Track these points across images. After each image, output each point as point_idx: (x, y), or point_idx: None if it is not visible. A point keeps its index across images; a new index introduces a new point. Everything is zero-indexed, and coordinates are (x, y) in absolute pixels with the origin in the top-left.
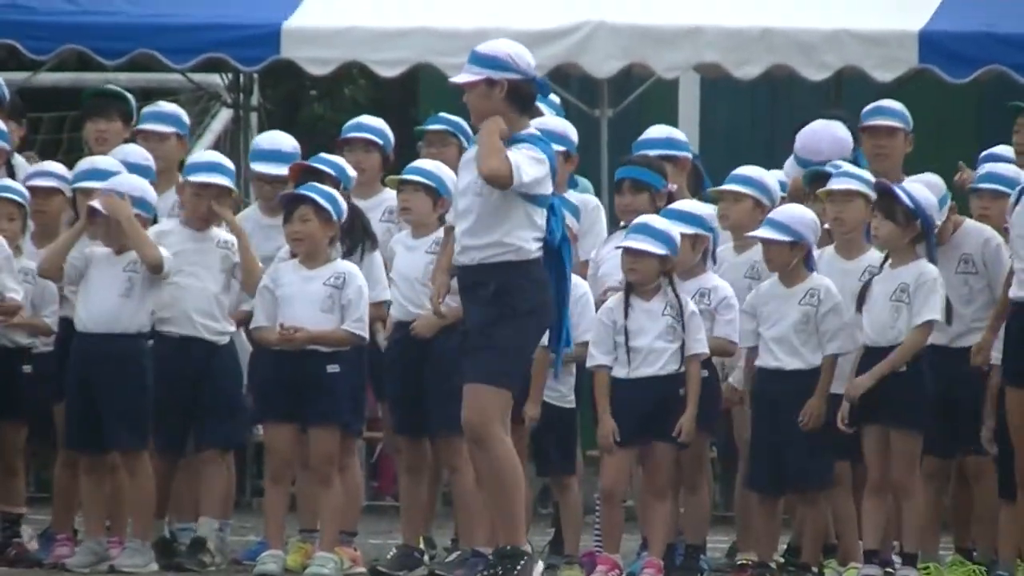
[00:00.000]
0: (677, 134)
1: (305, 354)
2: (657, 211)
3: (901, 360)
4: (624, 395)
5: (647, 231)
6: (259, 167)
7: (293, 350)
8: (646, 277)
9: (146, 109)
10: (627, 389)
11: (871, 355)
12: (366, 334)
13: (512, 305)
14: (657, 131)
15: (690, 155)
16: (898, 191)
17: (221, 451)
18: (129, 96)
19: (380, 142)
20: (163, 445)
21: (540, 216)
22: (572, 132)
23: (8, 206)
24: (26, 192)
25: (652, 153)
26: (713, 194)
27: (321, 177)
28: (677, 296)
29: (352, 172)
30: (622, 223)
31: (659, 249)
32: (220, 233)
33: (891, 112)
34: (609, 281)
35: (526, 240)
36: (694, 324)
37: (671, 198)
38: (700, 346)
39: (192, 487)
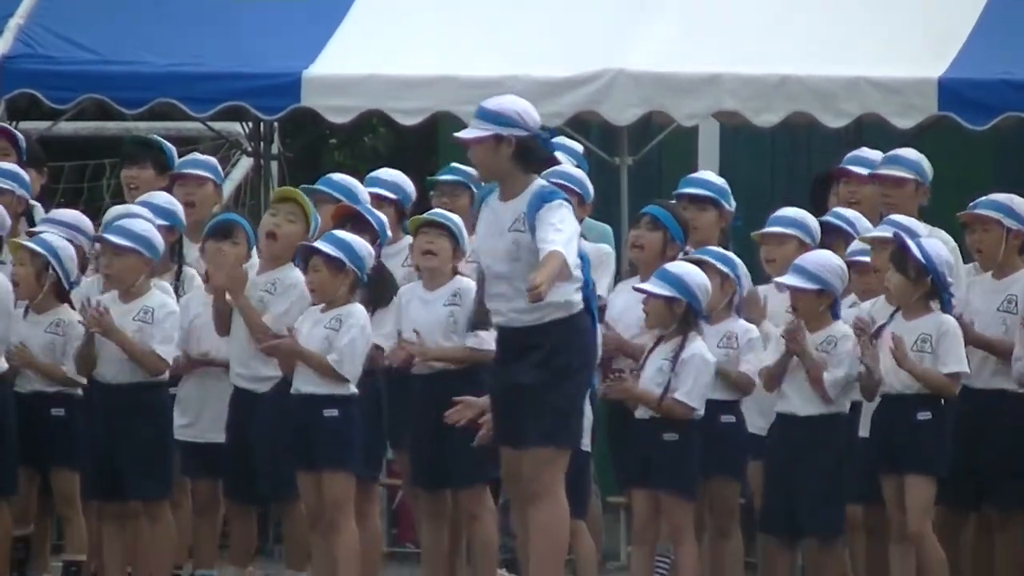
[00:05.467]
0: (726, 187)
1: (304, 399)
2: (665, 258)
3: (935, 381)
4: (630, 433)
5: (662, 275)
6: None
7: (296, 397)
8: (656, 320)
9: (183, 159)
10: (632, 427)
11: (890, 402)
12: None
13: (566, 365)
14: (713, 176)
15: (732, 210)
16: (911, 245)
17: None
18: (166, 145)
19: (396, 197)
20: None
21: (577, 267)
22: (585, 179)
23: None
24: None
25: (702, 192)
26: (756, 238)
27: (362, 223)
28: (683, 343)
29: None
30: (630, 258)
31: (666, 292)
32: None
33: (902, 162)
34: (619, 326)
35: (570, 293)
36: (683, 372)
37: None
38: (686, 397)
39: (213, 534)
